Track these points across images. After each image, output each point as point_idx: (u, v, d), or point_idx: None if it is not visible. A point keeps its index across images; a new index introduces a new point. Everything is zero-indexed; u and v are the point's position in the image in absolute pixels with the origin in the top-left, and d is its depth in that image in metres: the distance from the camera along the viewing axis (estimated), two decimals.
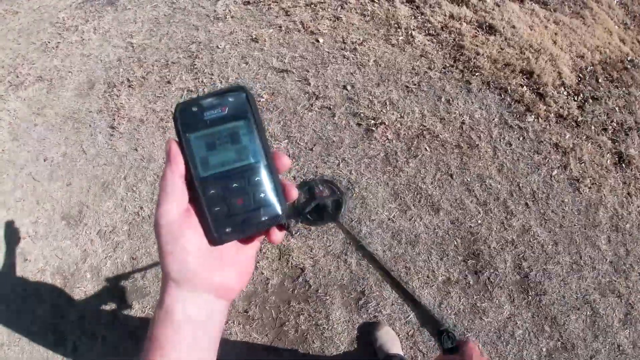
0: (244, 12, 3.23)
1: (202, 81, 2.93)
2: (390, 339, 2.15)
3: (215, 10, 3.25)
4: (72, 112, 2.94)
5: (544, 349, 2.20)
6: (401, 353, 2.12)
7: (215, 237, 0.47)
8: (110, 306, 2.39)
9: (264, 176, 0.49)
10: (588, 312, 2.28)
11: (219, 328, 0.50)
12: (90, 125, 2.88)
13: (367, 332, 2.23)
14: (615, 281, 2.34)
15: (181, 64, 3.03)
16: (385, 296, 2.28)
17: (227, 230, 0.47)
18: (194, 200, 0.47)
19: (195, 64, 3.00)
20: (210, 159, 0.47)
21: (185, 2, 3.39)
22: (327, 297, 2.29)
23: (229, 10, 3.23)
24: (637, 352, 2.20)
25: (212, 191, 0.47)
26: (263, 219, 0.49)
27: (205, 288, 0.47)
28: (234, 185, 0.48)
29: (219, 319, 0.50)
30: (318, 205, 2.41)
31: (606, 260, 2.39)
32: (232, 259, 0.50)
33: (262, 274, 2.36)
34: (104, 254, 2.49)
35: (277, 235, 0.50)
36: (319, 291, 2.31)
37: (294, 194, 0.50)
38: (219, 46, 3.07)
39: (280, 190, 0.50)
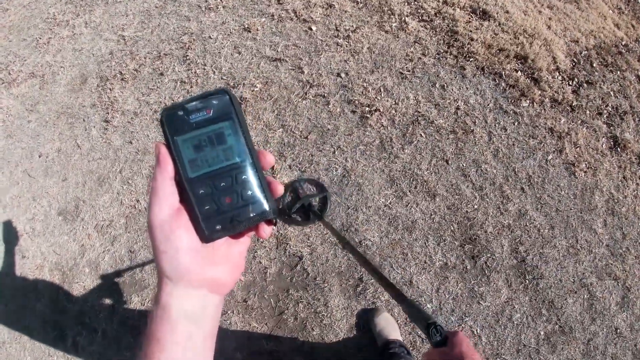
0: (235, 1, 3.20)
1: (195, 72, 2.91)
2: (389, 325, 2.16)
3: (206, 1, 3.21)
4: (65, 108, 2.92)
5: (542, 333, 2.21)
6: (400, 338, 2.13)
7: (206, 235, 0.49)
8: (109, 300, 2.39)
9: (250, 174, 0.51)
10: (585, 296, 2.29)
11: (215, 322, 0.52)
12: (84, 120, 2.86)
13: (365, 319, 2.24)
14: (611, 264, 2.35)
15: (174, 55, 3.01)
16: None
17: (217, 227, 0.49)
18: (184, 200, 0.49)
19: (188, 55, 2.98)
20: (198, 160, 0.49)
21: None
22: (326, 285, 2.30)
23: (221, 0, 3.20)
24: (635, 335, 2.22)
25: (201, 191, 0.49)
26: (251, 215, 0.50)
27: (199, 284, 0.49)
28: (222, 184, 0.50)
29: (214, 313, 0.52)
30: (304, 205, 2.43)
31: (602, 243, 2.39)
32: (223, 255, 0.52)
33: (260, 263, 2.37)
34: (101, 248, 2.49)
35: (266, 230, 0.52)
36: (317, 279, 2.31)
37: (280, 189, 0.52)
38: (212, 36, 3.05)
39: (267, 187, 0.52)
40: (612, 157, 2.60)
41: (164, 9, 3.24)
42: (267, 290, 2.32)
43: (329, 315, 2.24)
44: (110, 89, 2.92)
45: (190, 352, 0.49)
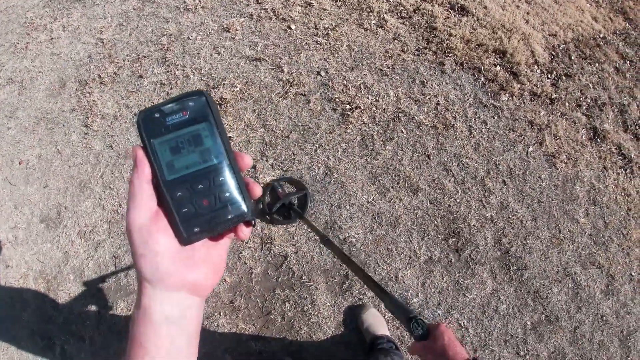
0: (214, 1, 3.19)
1: (174, 74, 2.90)
2: (376, 321, 2.16)
3: (185, 1, 3.20)
4: (44, 113, 2.89)
5: (529, 322, 2.23)
6: (388, 333, 2.14)
7: (184, 237, 0.49)
8: (95, 307, 2.37)
9: (227, 176, 0.50)
10: (570, 285, 2.31)
11: (197, 323, 0.52)
12: (63, 125, 2.83)
13: (352, 315, 2.24)
14: (595, 253, 2.38)
15: (152, 57, 2.99)
16: None
17: (196, 229, 0.49)
18: (162, 203, 0.49)
19: (167, 57, 2.96)
20: (175, 162, 0.49)
21: None
22: (312, 283, 2.30)
23: (199, 1, 3.18)
24: (621, 322, 2.24)
25: (178, 193, 0.49)
26: (229, 217, 0.50)
27: (178, 286, 0.49)
28: (200, 186, 0.49)
29: (196, 314, 0.52)
30: (284, 204, 2.43)
31: (585, 233, 2.42)
32: (203, 257, 0.52)
33: (246, 263, 2.36)
34: (85, 255, 2.47)
35: (244, 231, 0.52)
36: (303, 277, 2.31)
37: (258, 191, 0.52)
38: (190, 37, 3.03)
39: (245, 188, 0.51)
40: (592, 147, 2.63)
41: (142, 10, 3.22)
42: (253, 290, 2.31)
43: (316, 314, 2.24)
44: (89, 93, 2.89)
45: (174, 354, 0.49)
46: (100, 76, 2.94)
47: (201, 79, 2.85)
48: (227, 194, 0.50)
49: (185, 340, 0.50)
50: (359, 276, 1.31)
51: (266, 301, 2.29)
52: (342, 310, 2.25)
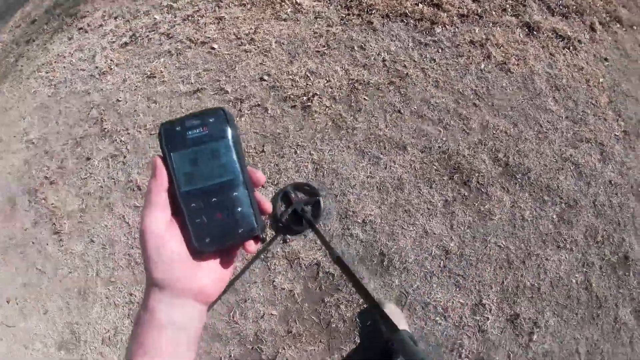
0: (126, 54, 3.02)
1: (120, 141, 2.73)
2: (394, 316, 2.14)
3: (96, 67, 3.01)
4: (8, 240, 2.63)
5: (554, 216, 2.34)
6: (407, 328, 2.15)
7: (195, 247, 0.52)
8: None
9: (241, 192, 0.53)
10: (571, 167, 2.44)
11: (198, 330, 0.54)
12: (33, 243, 2.60)
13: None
14: (578, 131, 2.52)
15: (91, 134, 2.80)
16: (402, 245, 2.31)
17: (207, 241, 0.52)
18: (176, 212, 0.52)
19: (105, 128, 2.79)
20: (192, 175, 0.52)
21: (63, 72, 3.12)
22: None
23: (111, 60, 3.01)
24: (627, 179, 2.41)
25: (193, 204, 0.52)
26: (240, 231, 0.53)
27: (186, 292, 0.51)
28: (214, 199, 0.52)
29: (198, 321, 0.54)
30: (295, 210, 2.37)
31: (562, 117, 2.56)
32: (211, 267, 0.55)
33: (284, 289, 2.30)
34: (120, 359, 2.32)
35: (252, 246, 0.55)
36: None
37: (268, 207, 0.56)
38: (120, 99, 2.86)
39: (256, 204, 0.54)
40: (533, 42, 2.76)
41: (57, 95, 3.00)
42: (303, 310, 2.26)
43: None
44: (44, 199, 2.67)
45: (174, 358, 0.51)
46: (46, 177, 2.72)
47: (150, 134, 2.72)
48: (239, 209, 0.53)
49: (186, 345, 0.52)
50: (369, 305, 1.29)
51: (320, 314, 2.25)
52: (393, 285, 2.26)
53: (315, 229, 2.06)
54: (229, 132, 0.53)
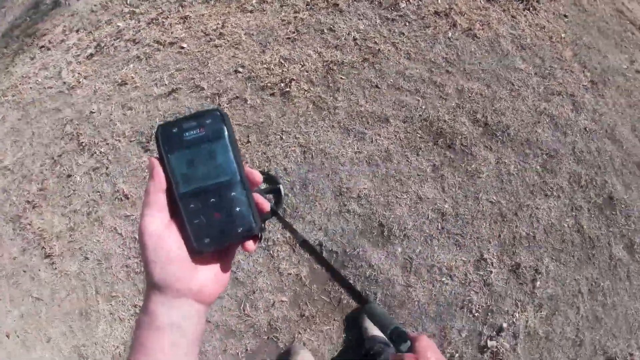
0: (93, 66, 2.96)
1: (100, 152, 2.67)
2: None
3: (64, 82, 2.93)
4: None
5: (538, 167, 2.43)
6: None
7: (194, 248, 0.52)
8: None
9: (238, 192, 0.54)
10: (547, 120, 2.54)
11: (199, 331, 0.55)
12: (24, 272, 2.50)
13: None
14: (548, 85, 2.62)
15: (68, 151, 2.72)
16: (398, 214, 2.35)
17: (206, 241, 0.52)
18: (174, 213, 0.52)
19: (83, 142, 2.72)
20: (189, 176, 0.52)
21: (30, 93, 3.02)
22: (357, 250, 2.30)
23: (78, 73, 2.94)
24: (600, 125, 2.52)
25: (191, 205, 0.52)
26: (238, 230, 0.54)
27: (185, 293, 0.51)
28: (212, 200, 0.53)
29: (199, 321, 0.54)
30: None
31: (532, 74, 2.66)
32: (210, 267, 0.55)
33: (290, 274, 2.29)
34: None
35: (251, 245, 0.55)
36: (347, 251, 2.31)
37: (267, 207, 0.57)
38: (93, 110, 2.80)
39: (254, 204, 0.55)
40: (494, 6, 2.86)
41: (27, 116, 2.90)
42: (313, 292, 2.27)
43: (378, 272, 2.25)
44: (29, 224, 2.57)
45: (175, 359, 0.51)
46: (28, 201, 2.63)
47: (130, 141, 2.67)
48: (237, 209, 0.53)
49: (186, 345, 0.52)
50: (337, 282, 1.29)
51: (330, 293, 2.26)
52: (397, 254, 2.29)
53: (279, 217, 2.06)
54: (226, 132, 0.53)
